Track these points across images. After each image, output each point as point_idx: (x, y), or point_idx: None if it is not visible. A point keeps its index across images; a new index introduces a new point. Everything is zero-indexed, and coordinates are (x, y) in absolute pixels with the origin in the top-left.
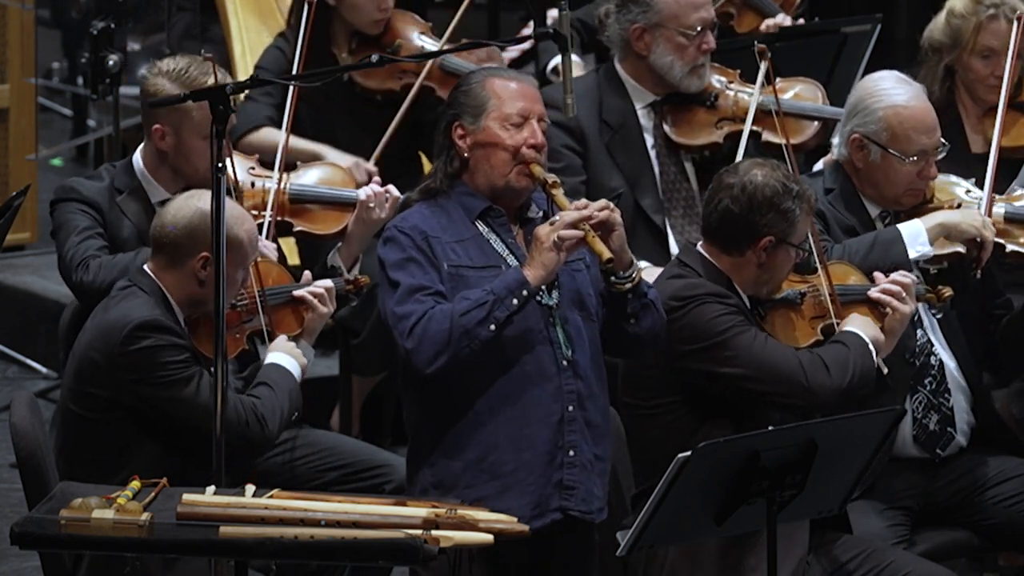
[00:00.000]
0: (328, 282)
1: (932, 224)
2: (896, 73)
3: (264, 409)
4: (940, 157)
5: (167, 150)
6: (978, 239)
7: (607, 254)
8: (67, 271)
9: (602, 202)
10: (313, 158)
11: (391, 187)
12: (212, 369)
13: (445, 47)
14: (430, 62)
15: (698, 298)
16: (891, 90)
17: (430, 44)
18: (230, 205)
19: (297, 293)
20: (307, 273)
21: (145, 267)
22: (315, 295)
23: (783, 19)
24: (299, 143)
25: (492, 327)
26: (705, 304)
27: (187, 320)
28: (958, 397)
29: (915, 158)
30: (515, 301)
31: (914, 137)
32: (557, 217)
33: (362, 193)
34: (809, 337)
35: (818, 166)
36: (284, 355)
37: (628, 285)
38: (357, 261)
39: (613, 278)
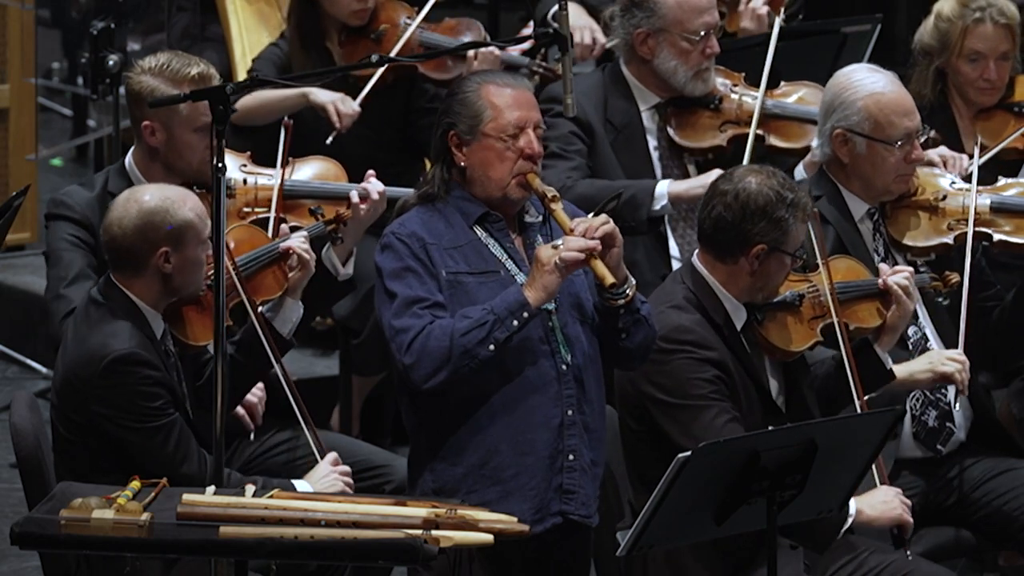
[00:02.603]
0: (303, 233)
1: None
2: (866, 64)
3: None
4: (923, 140)
5: (158, 146)
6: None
7: (610, 279)
8: (50, 316)
9: (602, 218)
10: (301, 98)
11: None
12: (206, 358)
13: (423, 26)
14: (405, 38)
15: (684, 349)
16: (865, 80)
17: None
18: (167, 191)
19: (284, 246)
20: (284, 226)
21: (113, 278)
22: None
23: (760, 4)
24: (285, 92)
25: (492, 347)
26: (688, 360)
27: (165, 312)
28: (954, 390)
29: (901, 142)
30: (515, 322)
31: (896, 121)
32: (560, 242)
33: (355, 195)
34: (807, 339)
35: (798, 170)
36: (304, 484)
37: (621, 301)
38: (351, 255)
39: (607, 294)
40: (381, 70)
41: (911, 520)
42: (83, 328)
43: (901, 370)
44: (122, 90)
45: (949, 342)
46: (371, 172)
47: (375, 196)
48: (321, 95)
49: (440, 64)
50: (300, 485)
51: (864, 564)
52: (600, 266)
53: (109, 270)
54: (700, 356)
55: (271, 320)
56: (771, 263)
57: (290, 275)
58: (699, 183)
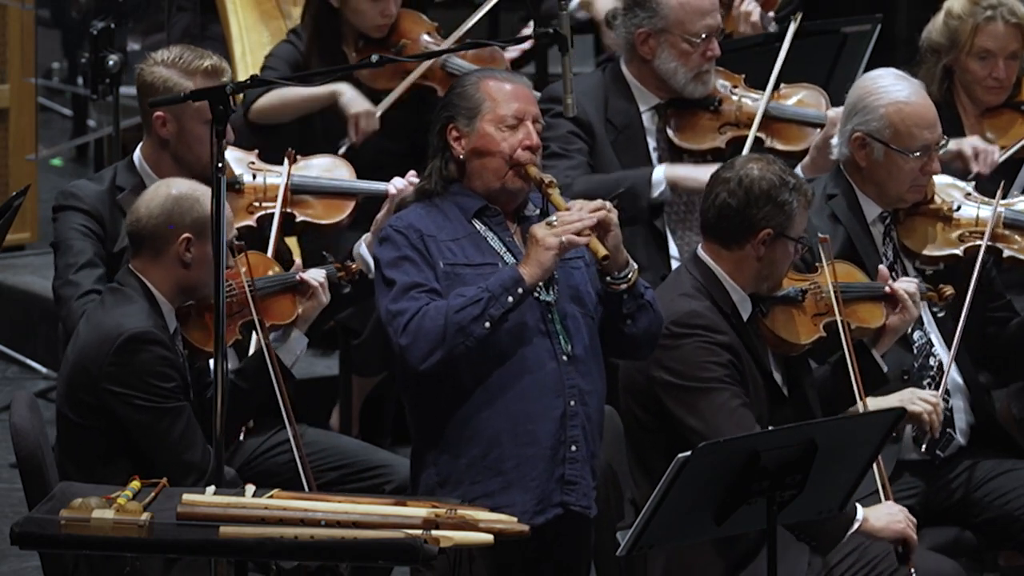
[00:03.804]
0: (323, 271)
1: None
2: (894, 70)
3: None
4: (941, 152)
5: (168, 138)
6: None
7: (603, 251)
8: (61, 301)
9: (598, 202)
10: (331, 97)
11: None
12: (208, 380)
13: (445, 48)
14: (429, 62)
15: (696, 333)
16: (891, 87)
17: (436, 44)
18: (200, 185)
19: (302, 276)
20: (298, 262)
21: (130, 267)
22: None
23: (751, 5)
24: (312, 90)
25: (487, 324)
26: (700, 344)
27: (178, 313)
28: (957, 397)
29: (918, 154)
30: (510, 299)
31: (916, 133)
32: (554, 218)
33: (392, 187)
34: (811, 334)
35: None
36: None
37: (624, 285)
38: None
39: (609, 278)
40: (406, 84)
41: (915, 538)
42: (98, 314)
43: (872, 404)
44: (122, 90)
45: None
46: (412, 172)
47: (404, 187)
48: (353, 104)
49: None
50: None
51: (867, 553)
52: (593, 240)
53: (129, 260)
54: (712, 340)
55: (275, 349)
56: (776, 249)
57: (303, 304)
58: (697, 171)
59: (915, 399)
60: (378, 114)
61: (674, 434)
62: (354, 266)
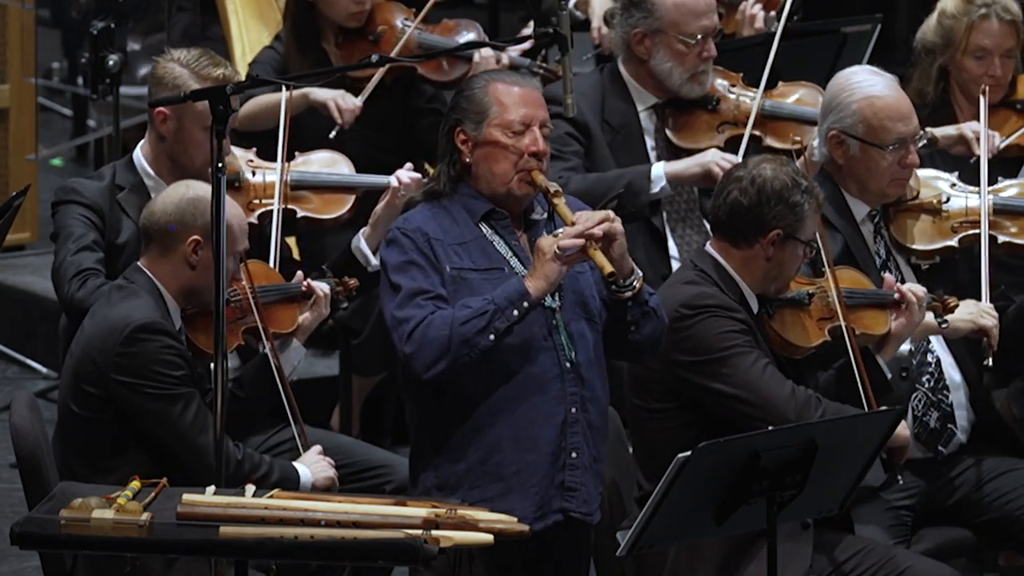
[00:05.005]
0: (325, 284)
1: (921, 332)
2: (867, 67)
3: (248, 462)
4: (920, 145)
5: (167, 135)
6: (976, 329)
7: (608, 268)
8: (59, 280)
9: (602, 214)
10: (301, 99)
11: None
12: (211, 365)
13: (420, 27)
14: (403, 40)
15: (708, 310)
16: (863, 82)
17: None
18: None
19: (308, 284)
20: (299, 273)
21: (139, 263)
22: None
23: (756, 8)
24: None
25: (492, 337)
26: (714, 318)
27: (184, 317)
28: (957, 393)
29: (893, 147)
30: (515, 312)
31: (890, 126)
32: (561, 231)
33: (394, 179)
34: (818, 337)
35: None
36: (303, 466)
37: (628, 293)
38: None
39: (614, 286)
40: (382, 70)
41: (906, 439)
42: (103, 308)
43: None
44: (123, 90)
45: (952, 345)
46: (409, 164)
47: (407, 180)
48: (320, 93)
49: (438, 66)
50: (300, 468)
51: (866, 559)
52: (599, 256)
53: (134, 257)
54: (726, 315)
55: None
56: (786, 250)
57: (304, 315)
58: (695, 162)
59: (983, 313)
60: (360, 101)
61: (695, 418)
62: (351, 282)
